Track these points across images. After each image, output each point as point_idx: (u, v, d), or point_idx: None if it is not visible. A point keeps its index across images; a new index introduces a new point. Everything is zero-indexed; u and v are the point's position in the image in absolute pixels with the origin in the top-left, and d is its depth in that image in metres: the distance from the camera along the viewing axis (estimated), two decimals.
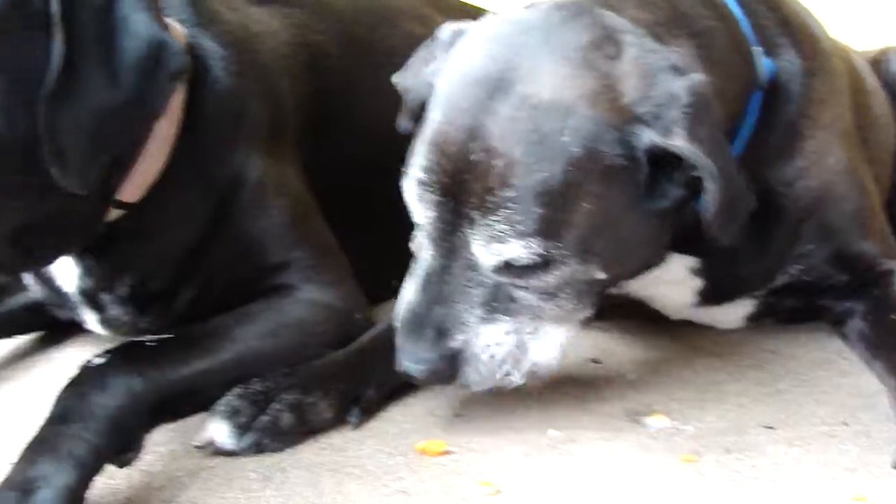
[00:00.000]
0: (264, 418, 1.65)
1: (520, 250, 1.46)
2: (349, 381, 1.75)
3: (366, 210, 2.17)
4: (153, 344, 1.67)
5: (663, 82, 1.47)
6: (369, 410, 1.76)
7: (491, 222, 1.46)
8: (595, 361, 1.98)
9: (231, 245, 1.85)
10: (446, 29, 1.71)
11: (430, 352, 1.55)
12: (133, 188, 1.73)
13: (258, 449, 1.64)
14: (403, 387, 1.82)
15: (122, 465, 1.56)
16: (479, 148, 1.45)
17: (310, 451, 1.66)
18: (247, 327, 1.76)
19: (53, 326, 2.10)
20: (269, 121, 1.93)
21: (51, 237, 1.66)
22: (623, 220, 1.51)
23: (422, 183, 1.52)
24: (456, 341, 1.55)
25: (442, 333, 1.55)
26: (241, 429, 1.64)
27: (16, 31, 1.46)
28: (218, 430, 1.64)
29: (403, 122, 1.75)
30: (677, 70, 1.49)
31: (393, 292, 2.20)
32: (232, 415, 1.65)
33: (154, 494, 1.55)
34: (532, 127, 1.44)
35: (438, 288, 1.55)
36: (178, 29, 1.79)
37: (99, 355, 1.60)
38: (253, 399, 1.67)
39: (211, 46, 1.85)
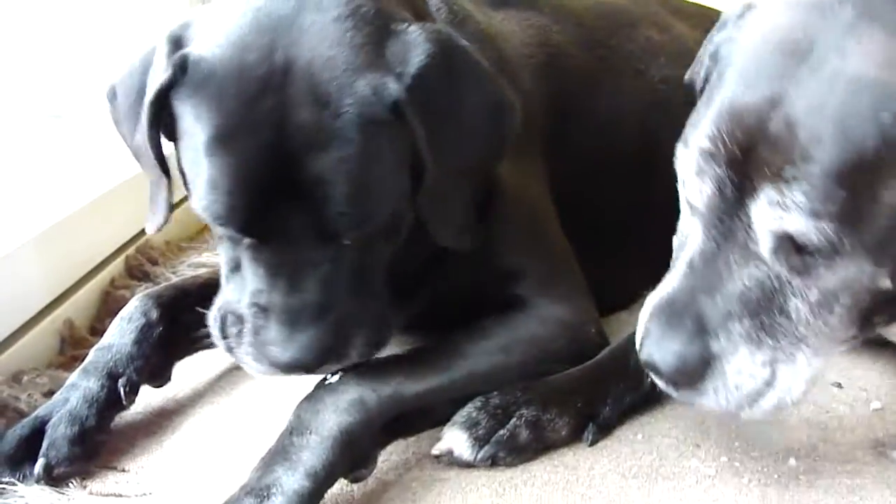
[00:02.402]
0: (503, 432, 1.66)
1: (810, 229, 1.32)
2: (587, 398, 1.74)
3: (599, 218, 2.15)
4: (386, 362, 1.70)
5: None
6: (605, 429, 1.74)
7: (783, 191, 1.33)
8: (838, 386, 1.90)
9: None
10: (735, 6, 1.59)
11: (685, 345, 1.42)
12: None
13: (493, 462, 1.66)
14: (639, 405, 1.80)
15: (354, 480, 1.61)
16: (779, 117, 1.33)
17: (542, 469, 1.66)
18: (479, 344, 1.76)
19: None
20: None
21: None
22: None
23: (706, 153, 1.40)
24: (717, 345, 1.42)
25: (702, 329, 1.42)
26: (480, 441, 1.66)
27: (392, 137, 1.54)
28: (456, 440, 1.66)
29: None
30: None
31: (624, 304, 2.21)
32: (471, 426, 1.67)
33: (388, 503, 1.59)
34: (846, 101, 1.31)
35: (707, 274, 1.43)
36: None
37: (333, 373, 1.64)
38: (492, 412, 1.68)
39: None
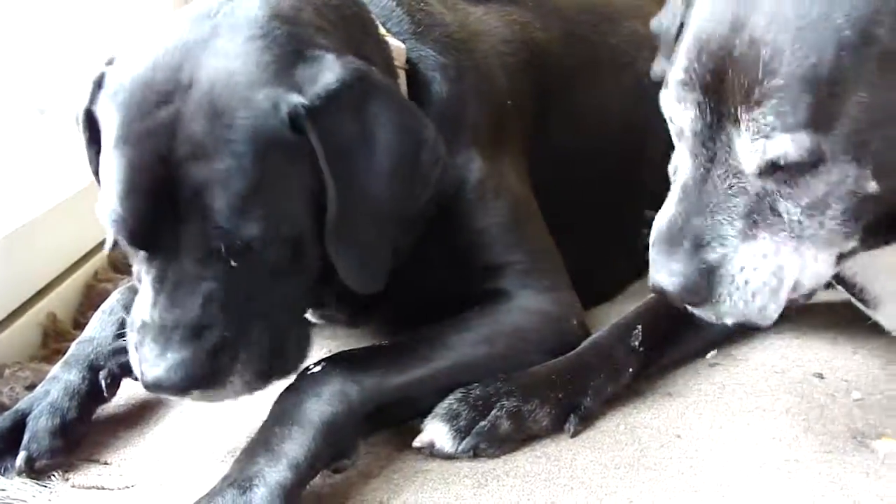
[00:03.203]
0: (483, 423, 1.66)
1: (788, 145, 1.36)
2: (568, 389, 1.74)
3: (583, 211, 2.16)
4: (368, 353, 1.71)
5: None
6: (586, 419, 1.75)
7: (757, 116, 1.37)
8: (819, 376, 1.90)
9: (449, 246, 1.86)
10: None
11: (685, 264, 1.46)
12: None
13: (475, 454, 1.66)
14: (621, 396, 1.81)
15: (337, 471, 1.61)
16: (743, 41, 1.38)
17: (524, 459, 1.66)
18: (462, 335, 1.77)
19: None
20: (489, 121, 1.93)
21: None
22: None
23: (682, 83, 1.45)
24: (714, 254, 1.45)
25: (699, 245, 1.46)
26: (461, 432, 1.66)
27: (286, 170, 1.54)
28: (437, 432, 1.67)
29: (659, 66, 1.69)
30: None
31: (609, 296, 2.22)
32: (452, 418, 1.67)
33: (370, 495, 1.59)
34: (800, 12, 1.35)
35: (697, 197, 1.47)
36: (398, 46, 1.83)
37: (316, 363, 1.65)
38: (473, 404, 1.68)
39: (430, 56, 1.88)
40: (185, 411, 1.89)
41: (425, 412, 1.70)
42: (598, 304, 2.17)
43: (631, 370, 1.80)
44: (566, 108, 2.12)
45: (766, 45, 1.36)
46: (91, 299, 2.31)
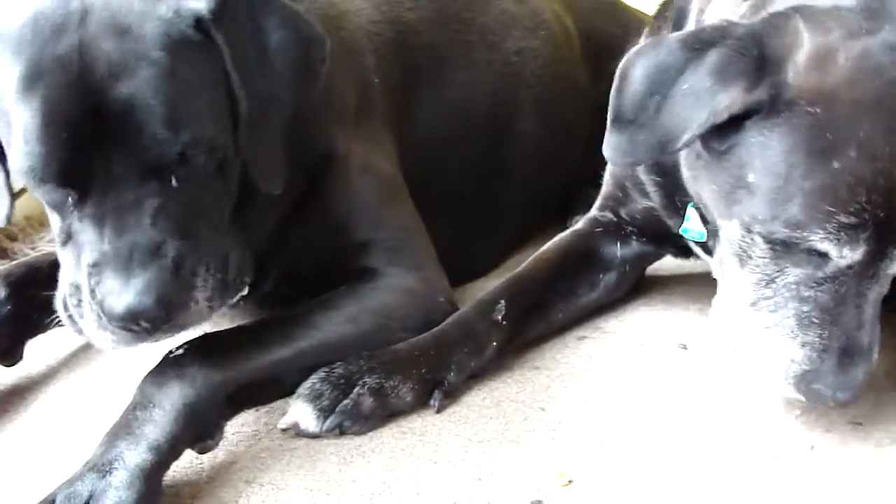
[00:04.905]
0: (346, 402, 1.68)
1: None
2: (431, 365, 1.76)
3: (452, 190, 2.18)
4: (232, 334, 1.71)
5: None
6: (451, 395, 1.77)
7: None
8: (683, 347, 1.94)
9: (316, 222, 1.87)
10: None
11: (864, 376, 1.55)
12: None
13: (340, 432, 1.68)
14: (485, 371, 1.84)
15: (201, 451, 1.61)
16: None
17: (390, 436, 1.69)
18: (326, 314, 1.78)
19: None
20: (355, 98, 1.95)
21: None
22: None
23: (850, 227, 1.46)
24: (874, 358, 1.56)
25: (867, 357, 1.54)
26: (324, 412, 1.67)
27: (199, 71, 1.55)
28: (301, 412, 1.68)
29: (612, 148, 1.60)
30: None
31: (474, 274, 2.24)
32: (315, 398, 1.69)
33: (237, 474, 1.61)
34: None
35: (850, 317, 1.53)
36: None
37: (178, 346, 1.64)
38: (336, 383, 1.70)
39: None
40: (56, 396, 1.88)
41: (292, 391, 1.72)
42: (471, 280, 2.19)
43: (494, 344, 1.83)
44: (435, 86, 2.13)
45: None
46: None
